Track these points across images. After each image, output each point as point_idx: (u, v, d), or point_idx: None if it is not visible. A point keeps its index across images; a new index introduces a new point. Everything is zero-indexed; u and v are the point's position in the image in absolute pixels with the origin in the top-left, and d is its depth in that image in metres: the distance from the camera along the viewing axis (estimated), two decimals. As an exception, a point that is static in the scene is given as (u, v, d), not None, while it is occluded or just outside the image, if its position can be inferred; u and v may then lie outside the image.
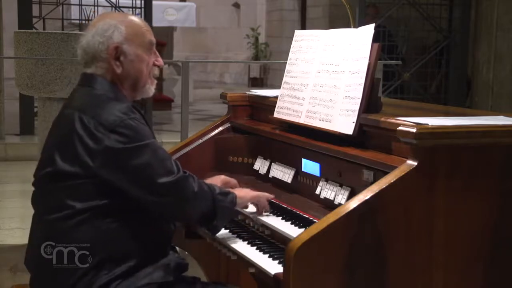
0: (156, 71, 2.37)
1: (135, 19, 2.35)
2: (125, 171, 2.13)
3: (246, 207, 2.47)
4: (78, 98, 2.28)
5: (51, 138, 2.29)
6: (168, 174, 2.18)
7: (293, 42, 2.82)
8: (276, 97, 2.81)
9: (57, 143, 2.21)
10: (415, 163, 1.99)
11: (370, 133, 2.32)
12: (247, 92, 3.16)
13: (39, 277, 2.25)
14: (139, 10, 8.46)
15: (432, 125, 2.02)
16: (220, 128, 3.10)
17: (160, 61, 2.37)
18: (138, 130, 2.16)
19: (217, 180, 2.57)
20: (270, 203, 2.52)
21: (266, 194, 2.50)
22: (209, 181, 2.47)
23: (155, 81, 2.39)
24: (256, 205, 2.47)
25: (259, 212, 2.45)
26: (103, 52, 2.26)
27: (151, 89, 2.36)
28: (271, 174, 2.81)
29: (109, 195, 2.15)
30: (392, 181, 1.97)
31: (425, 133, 1.98)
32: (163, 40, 10.70)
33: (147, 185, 2.16)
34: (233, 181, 2.61)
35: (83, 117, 2.16)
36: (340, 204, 2.25)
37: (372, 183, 2.12)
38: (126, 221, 2.18)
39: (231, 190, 2.43)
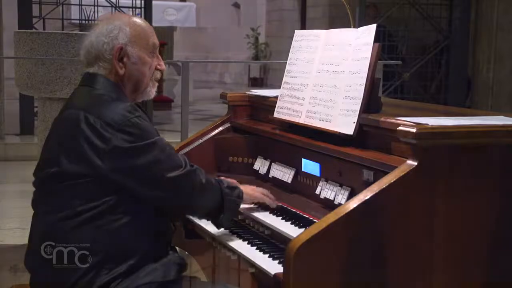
0: (158, 75, 2.38)
1: (140, 21, 2.35)
2: (134, 169, 2.15)
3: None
4: (81, 98, 2.27)
5: (53, 138, 2.28)
6: (177, 169, 2.21)
7: (293, 42, 2.82)
8: (276, 97, 2.81)
9: (62, 144, 2.21)
10: (415, 163, 1.98)
11: (370, 133, 2.32)
12: (247, 92, 3.16)
13: (39, 277, 2.25)
14: (139, 10, 8.45)
15: (432, 125, 2.02)
16: (220, 128, 3.10)
17: (162, 65, 2.38)
18: (144, 128, 2.17)
19: None
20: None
21: (268, 195, 2.52)
22: None
23: (156, 84, 2.40)
24: (263, 203, 2.50)
25: (271, 206, 2.50)
26: (106, 53, 2.26)
27: (152, 92, 2.37)
28: (271, 174, 2.81)
29: (112, 194, 2.16)
30: (392, 181, 1.97)
31: (425, 133, 1.98)
32: (163, 40, 10.70)
33: (156, 181, 2.18)
34: (232, 181, 2.62)
35: (89, 116, 2.16)
36: (340, 204, 2.25)
37: (372, 183, 2.11)
38: (127, 220, 2.18)
39: (238, 185, 2.45)
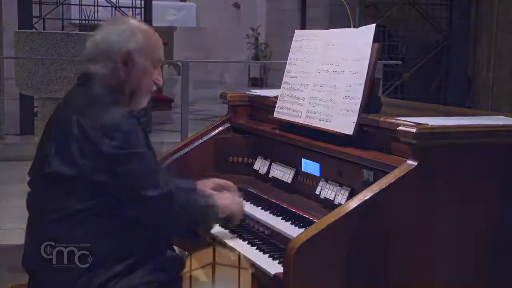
0: (154, 88, 2.37)
1: (153, 32, 2.36)
2: (114, 176, 2.13)
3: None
4: (77, 99, 2.27)
5: (47, 138, 2.28)
6: (153, 188, 2.16)
7: (293, 42, 2.82)
8: (276, 97, 2.81)
9: (54, 144, 2.20)
10: (415, 163, 1.99)
11: (370, 133, 2.32)
12: (247, 92, 3.16)
13: (37, 277, 2.25)
14: (139, 10, 8.45)
15: (432, 125, 2.02)
16: (220, 128, 3.10)
17: (160, 80, 2.37)
18: (132, 137, 2.15)
19: (209, 184, 2.58)
20: (270, 202, 2.53)
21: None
22: (201, 185, 2.50)
23: (150, 96, 2.38)
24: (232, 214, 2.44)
25: (235, 221, 2.45)
26: (113, 52, 2.25)
27: (144, 103, 2.36)
28: (271, 174, 2.81)
29: (106, 195, 2.15)
30: (392, 181, 1.97)
31: (425, 133, 1.98)
32: (163, 40, 10.69)
33: (132, 194, 2.16)
34: (227, 183, 2.62)
35: (80, 119, 2.15)
36: (340, 204, 2.25)
37: (372, 183, 2.12)
38: (124, 220, 2.18)
39: (215, 201, 2.38)
